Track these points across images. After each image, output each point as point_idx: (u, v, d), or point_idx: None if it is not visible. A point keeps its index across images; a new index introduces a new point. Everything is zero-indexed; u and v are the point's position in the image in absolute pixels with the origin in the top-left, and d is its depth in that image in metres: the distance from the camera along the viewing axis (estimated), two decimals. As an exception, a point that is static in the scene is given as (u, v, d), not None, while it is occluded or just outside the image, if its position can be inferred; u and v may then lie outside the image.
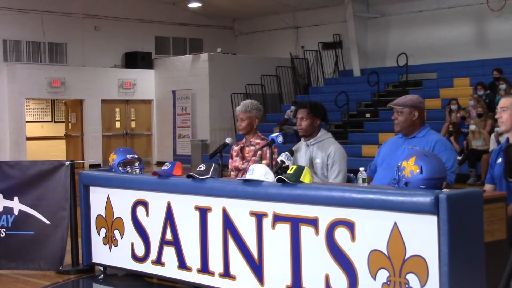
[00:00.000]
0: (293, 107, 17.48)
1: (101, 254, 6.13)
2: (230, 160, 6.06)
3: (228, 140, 5.86)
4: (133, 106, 21.57)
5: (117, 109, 21.36)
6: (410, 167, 4.13)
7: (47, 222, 6.28)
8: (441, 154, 4.71)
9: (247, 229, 4.92)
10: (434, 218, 3.88)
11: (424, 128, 5.13)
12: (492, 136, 13.24)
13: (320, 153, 5.50)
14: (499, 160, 4.66)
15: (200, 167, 5.30)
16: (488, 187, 4.71)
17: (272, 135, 5.53)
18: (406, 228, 4.03)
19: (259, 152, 5.86)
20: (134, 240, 5.80)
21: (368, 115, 18.00)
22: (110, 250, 6.03)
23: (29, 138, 19.66)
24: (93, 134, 20.43)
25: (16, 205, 6.33)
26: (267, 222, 4.79)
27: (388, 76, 18.95)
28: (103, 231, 6.09)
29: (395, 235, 4.06)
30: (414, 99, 5.17)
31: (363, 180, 4.69)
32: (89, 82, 20.12)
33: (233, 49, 22.73)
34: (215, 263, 5.16)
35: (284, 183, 4.66)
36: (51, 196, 6.29)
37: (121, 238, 5.92)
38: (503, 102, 4.70)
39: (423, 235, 3.95)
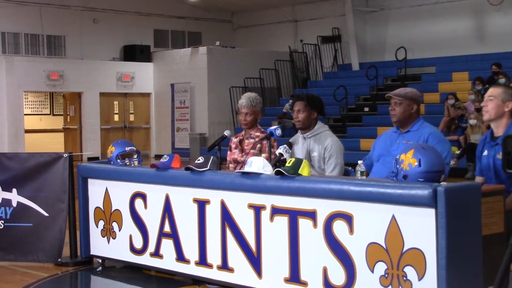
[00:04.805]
0: (291, 101, 17.46)
1: (99, 246, 6.13)
2: (228, 152, 6.05)
3: (226, 133, 5.86)
4: (131, 99, 21.55)
5: (116, 102, 21.34)
6: (409, 160, 4.13)
7: (46, 214, 6.28)
8: (435, 146, 4.70)
9: (245, 222, 4.92)
10: (432, 211, 3.88)
11: (417, 121, 5.12)
12: (491, 130, 13.21)
13: (317, 146, 5.49)
14: (485, 152, 4.64)
15: (199, 160, 5.29)
16: (479, 179, 4.71)
17: (270, 128, 5.50)
18: (404, 221, 4.03)
19: (258, 145, 5.85)
20: (132, 233, 5.80)
21: (366, 109, 18.00)
22: (108, 242, 6.03)
23: (27, 131, 19.63)
24: (92, 127, 20.41)
25: (14, 197, 6.33)
26: (265, 214, 4.79)
27: (387, 70, 18.93)
28: (101, 223, 6.09)
29: (393, 228, 4.06)
30: (415, 92, 5.16)
31: (362, 173, 4.69)
32: (87, 75, 20.09)
33: (232, 43, 22.69)
34: (213, 255, 5.16)
35: (282, 176, 4.66)
36: (49, 188, 6.29)
37: (119, 231, 5.93)
38: (491, 91, 4.65)
39: (421, 228, 3.95)
